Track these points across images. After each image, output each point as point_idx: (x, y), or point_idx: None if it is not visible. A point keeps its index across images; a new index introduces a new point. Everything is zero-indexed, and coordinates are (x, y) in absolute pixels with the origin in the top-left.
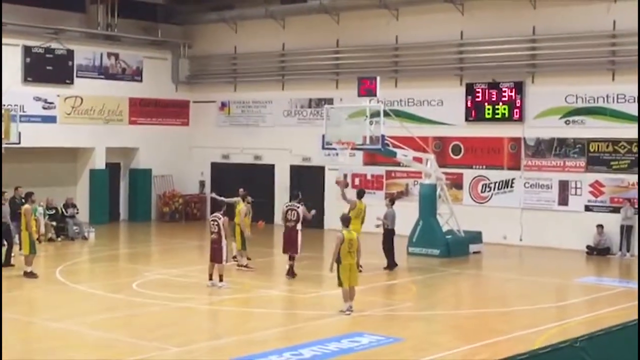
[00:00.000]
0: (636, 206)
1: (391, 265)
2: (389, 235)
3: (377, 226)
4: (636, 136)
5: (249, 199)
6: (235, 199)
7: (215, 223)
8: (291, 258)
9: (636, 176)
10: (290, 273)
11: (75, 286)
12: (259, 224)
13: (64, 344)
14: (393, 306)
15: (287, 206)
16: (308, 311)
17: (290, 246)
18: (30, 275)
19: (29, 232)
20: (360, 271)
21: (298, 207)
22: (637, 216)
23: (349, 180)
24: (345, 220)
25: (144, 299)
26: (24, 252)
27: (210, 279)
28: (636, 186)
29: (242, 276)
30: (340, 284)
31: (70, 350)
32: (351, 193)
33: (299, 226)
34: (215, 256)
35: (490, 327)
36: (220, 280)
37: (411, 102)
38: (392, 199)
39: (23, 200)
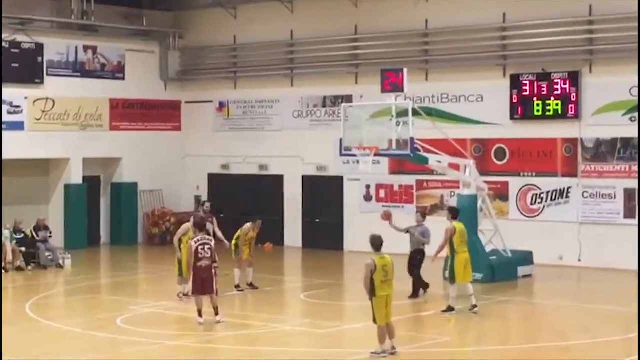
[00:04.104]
0: None
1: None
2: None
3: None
4: None
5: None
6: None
7: (208, 246)
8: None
9: None
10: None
11: (49, 323)
12: (266, 246)
13: None
14: (428, 342)
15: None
16: (328, 349)
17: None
18: None
19: None
20: None
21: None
22: None
23: (373, 193)
24: (376, 243)
25: (130, 337)
26: None
27: (200, 315)
28: None
29: (247, 308)
30: (375, 321)
31: None
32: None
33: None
34: (207, 287)
35: None
36: (217, 313)
37: (445, 98)
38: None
39: None
